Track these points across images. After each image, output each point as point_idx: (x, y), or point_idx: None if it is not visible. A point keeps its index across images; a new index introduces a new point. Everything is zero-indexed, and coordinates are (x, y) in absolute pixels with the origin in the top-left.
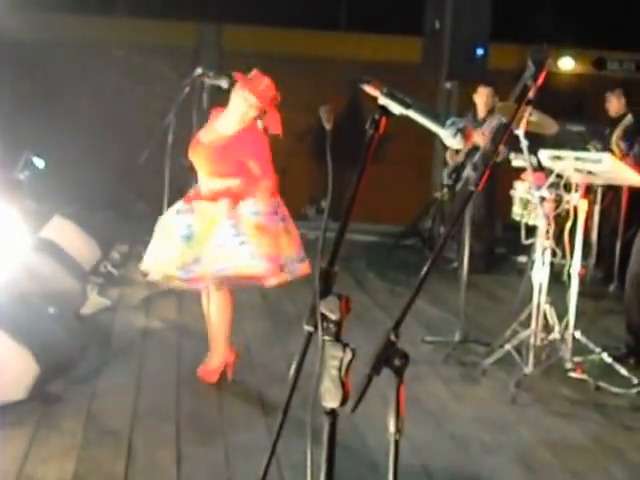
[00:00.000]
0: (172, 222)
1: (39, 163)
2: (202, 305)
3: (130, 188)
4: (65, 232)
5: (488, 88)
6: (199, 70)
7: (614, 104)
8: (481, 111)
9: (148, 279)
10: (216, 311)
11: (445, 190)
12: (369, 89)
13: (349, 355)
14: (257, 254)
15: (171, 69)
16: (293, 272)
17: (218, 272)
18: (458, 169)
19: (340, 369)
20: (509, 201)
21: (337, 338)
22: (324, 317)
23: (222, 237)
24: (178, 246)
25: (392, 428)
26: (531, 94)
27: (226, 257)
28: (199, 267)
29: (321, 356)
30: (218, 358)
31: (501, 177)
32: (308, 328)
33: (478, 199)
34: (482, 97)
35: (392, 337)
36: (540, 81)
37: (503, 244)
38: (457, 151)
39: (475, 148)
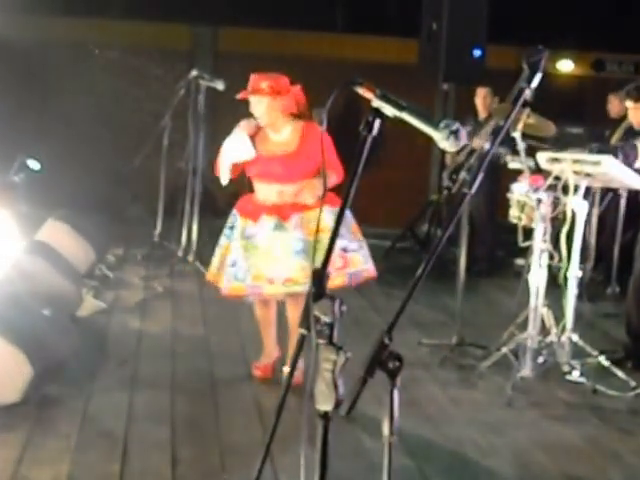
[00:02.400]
0: (270, 240)
1: (34, 165)
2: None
3: (125, 190)
4: (60, 235)
5: (485, 89)
6: (194, 72)
7: (615, 105)
8: (481, 112)
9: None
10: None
11: (445, 192)
12: (362, 91)
13: (343, 358)
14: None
15: (166, 71)
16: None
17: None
18: (457, 171)
19: (334, 372)
20: (507, 203)
21: (330, 341)
22: (317, 319)
23: (342, 242)
24: (298, 262)
25: (386, 431)
26: (527, 96)
27: (356, 261)
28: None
29: (315, 358)
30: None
31: (503, 179)
32: (302, 331)
33: (479, 202)
34: (481, 98)
35: (386, 340)
36: (535, 83)
37: (500, 246)
38: (458, 152)
39: (475, 150)
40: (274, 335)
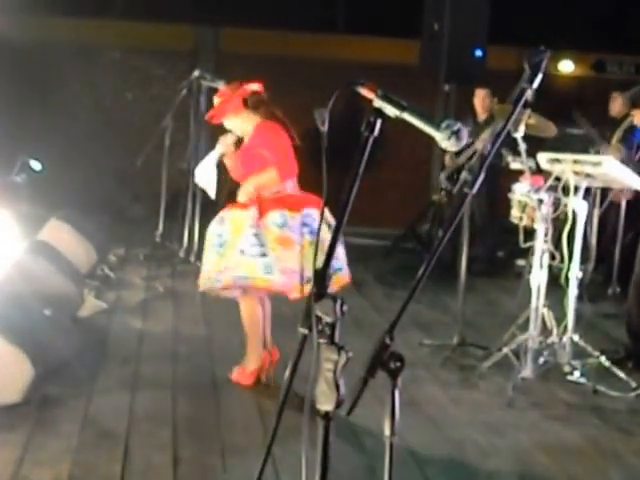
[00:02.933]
0: (209, 234)
1: (36, 166)
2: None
3: (127, 191)
4: (61, 235)
5: (484, 90)
6: (196, 73)
7: (617, 104)
8: (480, 113)
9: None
10: (243, 318)
11: (443, 193)
12: (364, 91)
13: (344, 358)
14: (275, 268)
15: (168, 72)
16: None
17: (237, 280)
18: (457, 172)
19: (335, 372)
20: (508, 203)
21: (332, 341)
22: (319, 319)
23: (244, 244)
24: (212, 256)
25: (387, 431)
26: (528, 97)
27: (245, 266)
28: (225, 275)
29: (316, 358)
30: (252, 363)
31: (503, 180)
32: (303, 330)
33: (480, 203)
34: (479, 99)
35: (387, 340)
36: (537, 84)
37: (501, 247)
38: (457, 154)
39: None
40: (246, 338)
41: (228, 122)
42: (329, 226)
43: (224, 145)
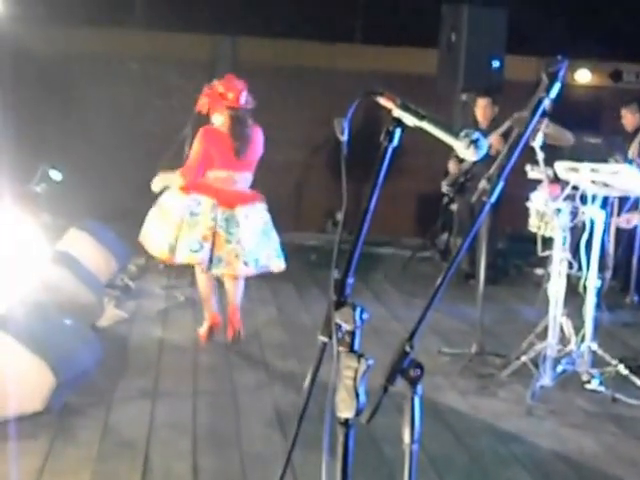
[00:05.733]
0: None
1: (56, 176)
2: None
3: (147, 200)
4: (82, 245)
5: (486, 99)
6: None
7: (629, 119)
8: (481, 122)
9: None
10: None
11: (445, 199)
12: (383, 101)
13: (364, 365)
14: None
15: (187, 82)
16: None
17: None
18: (461, 178)
19: (355, 379)
20: (522, 212)
21: (352, 348)
22: (339, 327)
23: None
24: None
25: (407, 439)
26: (546, 106)
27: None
28: None
29: (336, 366)
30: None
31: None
32: (323, 338)
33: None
34: (480, 108)
35: (407, 348)
36: (554, 93)
37: (518, 256)
38: (461, 160)
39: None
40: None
41: (214, 118)
42: (192, 214)
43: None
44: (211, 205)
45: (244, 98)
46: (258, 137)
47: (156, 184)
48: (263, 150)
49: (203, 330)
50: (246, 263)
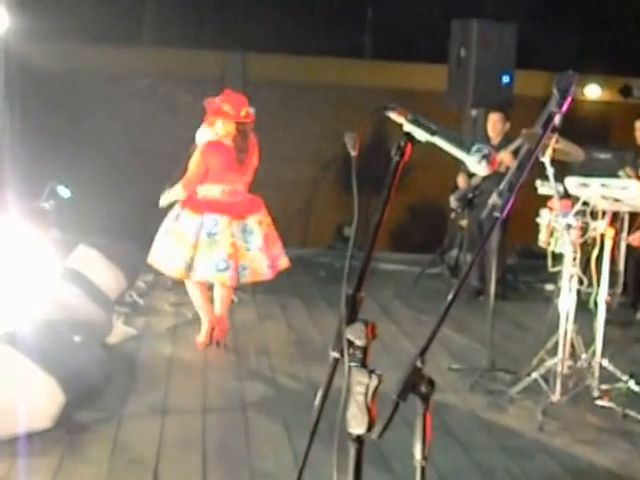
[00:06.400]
0: None
1: (64, 193)
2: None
3: (155, 217)
4: (90, 261)
5: (497, 114)
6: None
7: None
8: (493, 138)
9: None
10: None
11: (453, 214)
12: (394, 116)
13: (375, 381)
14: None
15: (196, 98)
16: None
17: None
18: (469, 194)
19: (366, 395)
20: (529, 227)
21: (363, 364)
22: (350, 343)
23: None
24: None
25: (418, 455)
26: (557, 121)
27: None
28: None
29: (347, 382)
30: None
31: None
32: (334, 354)
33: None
34: (491, 123)
35: (418, 364)
36: (565, 108)
37: (528, 271)
38: (470, 175)
39: (495, 173)
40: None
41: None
42: (209, 234)
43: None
44: (227, 222)
45: (244, 111)
46: (256, 148)
47: (163, 200)
48: (261, 162)
49: (203, 336)
50: (269, 266)
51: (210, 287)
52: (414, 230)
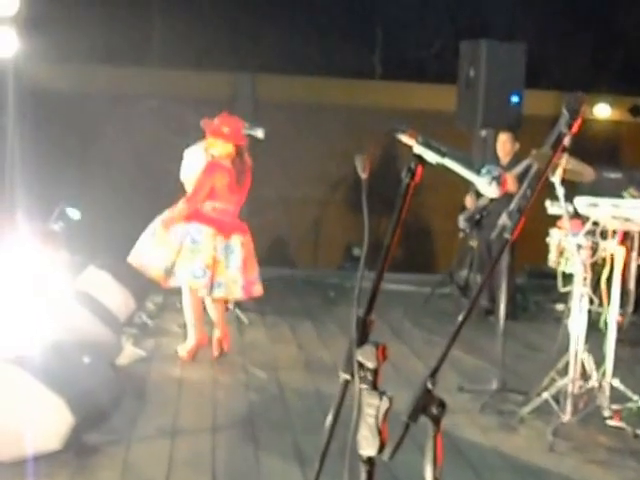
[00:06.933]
0: None
1: (73, 214)
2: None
3: None
4: (100, 283)
5: (506, 134)
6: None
7: None
8: (502, 158)
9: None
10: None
11: (461, 234)
12: (404, 138)
13: (386, 403)
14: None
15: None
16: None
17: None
18: (477, 215)
19: (377, 417)
20: (539, 247)
21: (374, 386)
22: (361, 365)
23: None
24: None
25: (429, 476)
26: (566, 142)
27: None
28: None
29: (358, 404)
30: (190, 340)
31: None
32: (345, 376)
33: (500, 247)
34: (500, 143)
35: (429, 385)
36: (575, 129)
37: (538, 291)
38: (479, 195)
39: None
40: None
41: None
42: (193, 241)
43: None
44: (212, 234)
45: (240, 133)
46: (251, 170)
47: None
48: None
49: (188, 349)
50: (242, 287)
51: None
52: (423, 250)
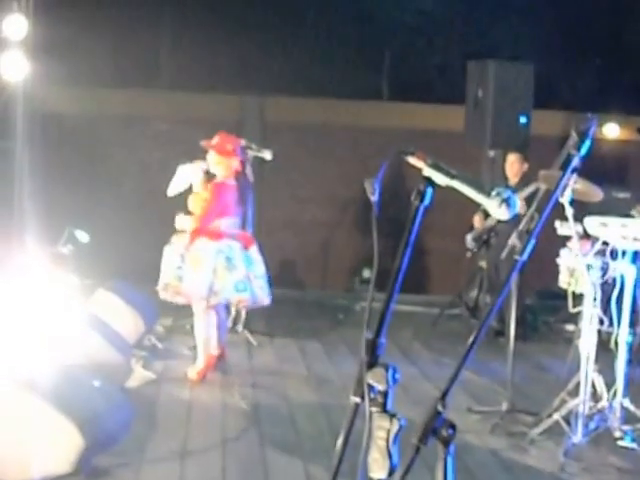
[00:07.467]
0: None
1: (82, 237)
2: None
3: None
4: (109, 305)
5: (515, 155)
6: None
7: None
8: (511, 178)
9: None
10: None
11: (469, 254)
12: (413, 160)
13: (396, 426)
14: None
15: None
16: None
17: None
18: (484, 235)
19: (387, 440)
20: (550, 268)
21: (384, 409)
22: (371, 388)
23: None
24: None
25: None
26: (576, 163)
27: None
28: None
29: (368, 427)
30: (200, 362)
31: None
32: (355, 399)
33: (508, 267)
34: (509, 164)
35: (439, 407)
36: (585, 152)
37: (549, 312)
38: (487, 215)
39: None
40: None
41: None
42: (227, 259)
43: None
44: (239, 249)
45: (241, 151)
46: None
47: (179, 223)
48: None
49: (198, 371)
50: (268, 294)
51: None
52: (431, 271)
